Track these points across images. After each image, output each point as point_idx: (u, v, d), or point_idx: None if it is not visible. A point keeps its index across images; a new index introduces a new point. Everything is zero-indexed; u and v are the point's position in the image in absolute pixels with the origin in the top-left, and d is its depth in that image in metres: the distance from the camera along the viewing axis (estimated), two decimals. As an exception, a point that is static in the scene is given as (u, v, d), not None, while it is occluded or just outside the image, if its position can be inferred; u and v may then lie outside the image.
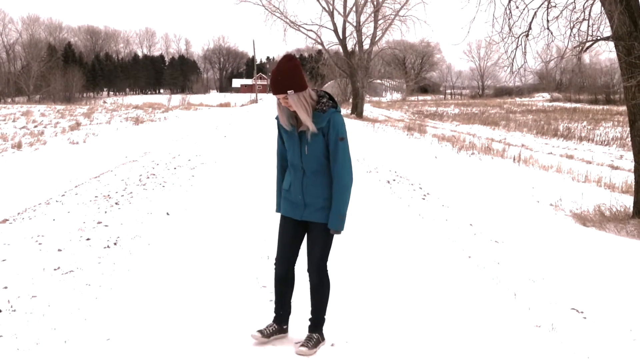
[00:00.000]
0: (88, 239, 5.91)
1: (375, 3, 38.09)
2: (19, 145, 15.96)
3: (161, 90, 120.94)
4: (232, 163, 12.06)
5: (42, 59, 79.52)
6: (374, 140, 19.10)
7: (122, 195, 8.62)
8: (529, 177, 11.28)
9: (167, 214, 7.17)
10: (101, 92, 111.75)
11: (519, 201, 8.71)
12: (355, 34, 39.59)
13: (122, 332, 3.57)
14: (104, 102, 68.02)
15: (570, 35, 8.15)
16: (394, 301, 4.14)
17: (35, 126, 22.88)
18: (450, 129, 27.34)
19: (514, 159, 14.08)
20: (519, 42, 9.37)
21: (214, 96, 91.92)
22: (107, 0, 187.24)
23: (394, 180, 10.08)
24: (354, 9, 38.54)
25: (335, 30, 40.09)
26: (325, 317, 3.52)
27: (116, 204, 7.93)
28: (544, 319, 3.79)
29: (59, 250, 5.51)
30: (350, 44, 41.31)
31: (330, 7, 39.19)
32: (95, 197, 8.64)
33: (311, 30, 40.63)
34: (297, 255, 3.56)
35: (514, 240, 5.99)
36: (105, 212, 7.38)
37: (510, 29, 9.39)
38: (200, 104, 59.88)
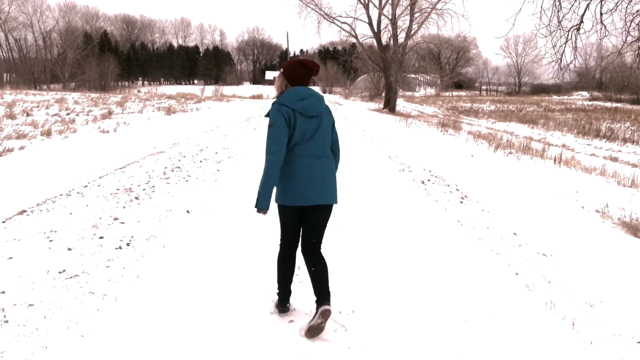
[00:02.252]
0: (101, 237, 5.53)
1: (411, -4, 37.27)
2: (48, 133, 15.79)
3: (195, 81, 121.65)
4: (260, 158, 11.61)
5: (78, 46, 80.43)
6: (407, 137, 18.49)
7: (144, 189, 8.26)
8: (571, 179, 10.59)
9: (187, 211, 6.76)
10: (136, 81, 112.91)
11: (562, 206, 8.08)
12: (390, 27, 38.88)
13: (119, 354, 3.15)
14: (138, 91, 68.66)
15: (628, 29, 7.51)
16: (432, 328, 3.64)
17: (68, 114, 22.84)
18: (486, 126, 26.49)
19: (555, 160, 13.33)
20: (569, 36, 8.75)
21: (247, 88, 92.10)
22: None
23: (429, 180, 9.52)
24: (389, 1, 37.82)
25: (370, 23, 39.48)
26: (278, 293, 3.85)
27: (136, 198, 7.57)
28: (609, 358, 3.25)
29: (69, 249, 5.14)
30: (385, 38, 40.68)
31: (366, -1, 38.58)
32: (117, 189, 8.31)
33: (345, 23, 40.15)
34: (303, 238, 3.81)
35: (562, 254, 5.42)
36: (124, 207, 7.01)
37: (559, 22, 8.78)
38: (233, 95, 59.89)
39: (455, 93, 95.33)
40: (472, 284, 4.41)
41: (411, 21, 37.78)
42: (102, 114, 22.87)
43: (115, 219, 6.36)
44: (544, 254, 5.33)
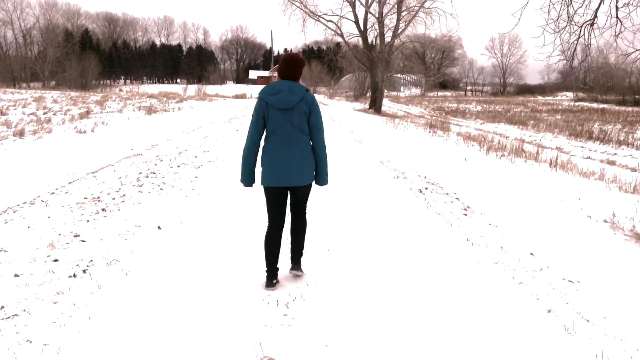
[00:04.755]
0: (55, 261, 4.70)
1: (399, -7, 36.60)
2: (21, 133, 14.91)
3: (178, 80, 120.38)
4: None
5: (59, 44, 78.81)
6: (396, 139, 17.82)
7: (114, 198, 7.44)
8: (570, 185, 9.98)
9: (159, 227, 5.92)
10: (118, 80, 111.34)
11: (568, 216, 7.44)
12: (376, 26, 38.19)
13: None
14: (120, 90, 67.41)
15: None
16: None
17: (45, 113, 21.90)
18: (475, 128, 25.98)
19: (551, 164, 12.73)
20: (582, 32, 8.08)
21: (231, 87, 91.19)
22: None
23: (426, 188, 8.78)
24: (376, -1, 37.15)
25: (356, 22, 38.80)
26: (266, 270, 4.35)
27: (103, 210, 6.73)
28: None
29: (16, 275, 4.33)
30: (371, 36, 40.00)
31: (353, -4, 37.85)
32: (85, 198, 7.51)
33: (331, 21, 39.41)
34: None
35: (587, 278, 4.72)
36: (88, 220, 6.19)
37: (570, 17, 8.10)
38: (216, 95, 59.04)
39: (440, 93, 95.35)
40: (502, 327, 3.63)
41: (398, 20, 37.13)
42: (80, 114, 21.98)
43: (76, 235, 5.54)
44: (570, 281, 4.62)
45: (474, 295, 4.20)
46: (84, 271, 4.46)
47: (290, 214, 4.45)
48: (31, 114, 21.23)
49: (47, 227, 5.96)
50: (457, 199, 8.09)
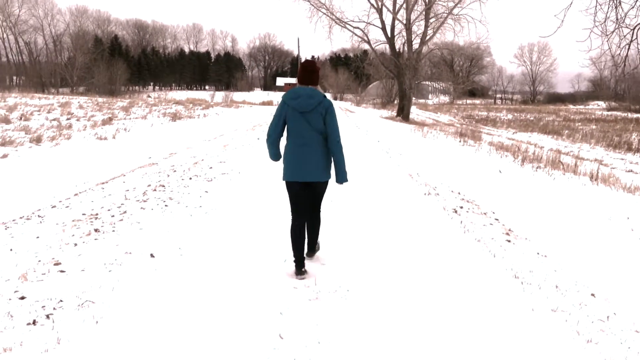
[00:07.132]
0: (22, 298, 3.93)
1: (427, 0, 35.67)
2: (38, 140, 14.40)
3: (206, 87, 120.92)
4: (259, 176, 9.94)
5: (88, 50, 79.50)
6: (425, 149, 16.89)
7: (112, 216, 6.71)
8: (615, 201, 9.01)
9: (152, 255, 5.10)
10: (147, 86, 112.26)
11: (619, 239, 6.51)
12: (404, 33, 37.31)
13: None
14: (148, 96, 67.56)
15: None
16: None
17: (68, 119, 21.50)
18: (507, 137, 24.88)
19: (591, 177, 11.72)
20: (634, 36, 7.14)
21: (258, 94, 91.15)
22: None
23: (461, 207, 7.86)
24: (404, 6, 36.29)
25: (384, 28, 37.99)
26: (294, 260, 4.82)
27: (96, 231, 5.97)
28: None
29: (-30, 318, 3.60)
30: (399, 43, 39.14)
31: (379, 3, 37.12)
32: (83, 214, 6.82)
33: (358, 28, 38.71)
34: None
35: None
36: (76, 244, 5.44)
37: (620, 19, 7.17)
38: (243, 102, 58.80)
39: (469, 101, 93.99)
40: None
41: (426, 26, 36.28)
42: (103, 120, 21.54)
43: (57, 264, 4.79)
44: (646, 335, 3.71)
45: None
46: (48, 316, 3.65)
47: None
48: (54, 119, 20.85)
49: (30, 250, 5.26)
50: (497, 219, 7.18)
